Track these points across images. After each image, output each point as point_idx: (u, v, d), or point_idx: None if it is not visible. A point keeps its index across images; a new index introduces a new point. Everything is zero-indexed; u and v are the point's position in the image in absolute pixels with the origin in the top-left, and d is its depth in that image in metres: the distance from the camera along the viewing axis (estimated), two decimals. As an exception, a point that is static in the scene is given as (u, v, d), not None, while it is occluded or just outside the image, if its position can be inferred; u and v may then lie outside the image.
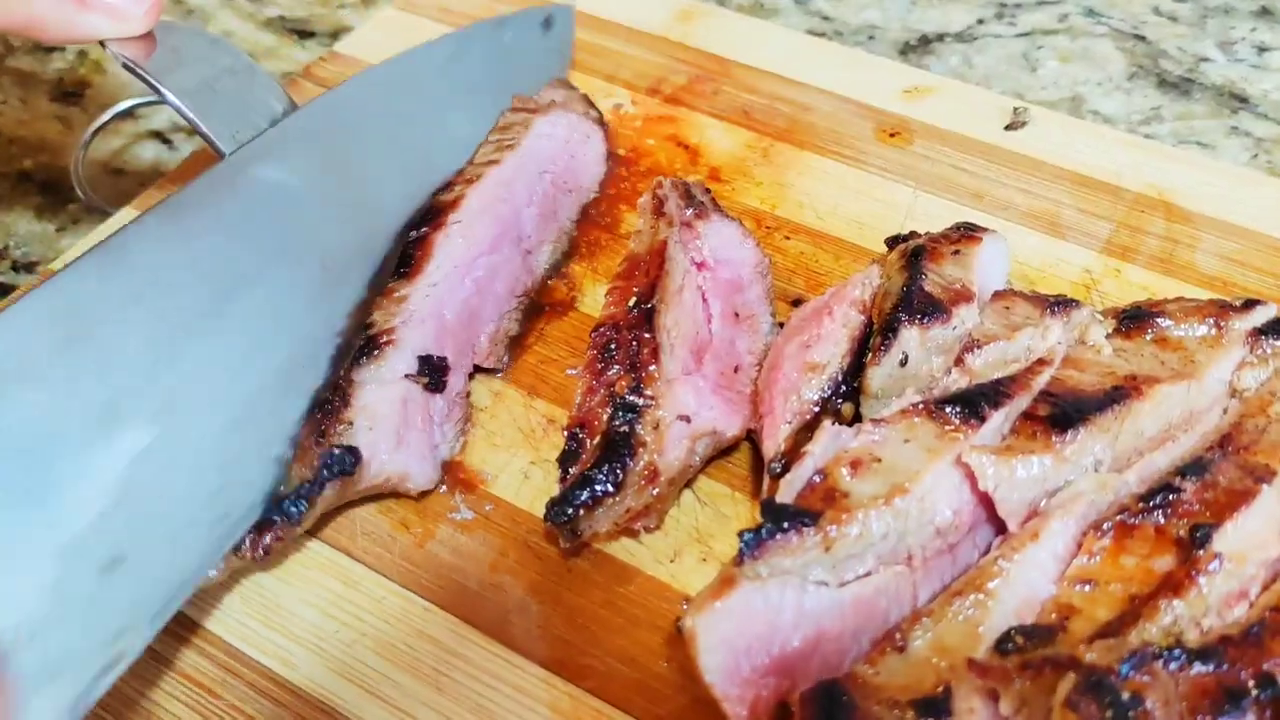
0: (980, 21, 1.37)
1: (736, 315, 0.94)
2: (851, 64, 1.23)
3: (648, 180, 1.10)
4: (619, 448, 0.81)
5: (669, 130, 1.16)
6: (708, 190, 1.04)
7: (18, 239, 1.15)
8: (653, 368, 0.86)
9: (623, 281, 0.95)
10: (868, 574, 0.71)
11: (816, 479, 0.73)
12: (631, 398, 0.84)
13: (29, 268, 1.11)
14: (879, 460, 0.73)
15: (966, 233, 0.92)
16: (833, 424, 0.84)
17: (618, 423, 0.83)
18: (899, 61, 1.30)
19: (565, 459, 0.84)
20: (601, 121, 1.13)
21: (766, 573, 0.68)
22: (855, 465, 0.73)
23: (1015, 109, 1.15)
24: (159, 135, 1.27)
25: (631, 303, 0.91)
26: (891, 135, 1.14)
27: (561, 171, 1.07)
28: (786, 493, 0.73)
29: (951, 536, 0.73)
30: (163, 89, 0.91)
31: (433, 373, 0.88)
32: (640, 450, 0.82)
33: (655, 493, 0.82)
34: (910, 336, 0.81)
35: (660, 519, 0.85)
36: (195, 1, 1.42)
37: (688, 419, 0.85)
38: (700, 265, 0.95)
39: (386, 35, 1.28)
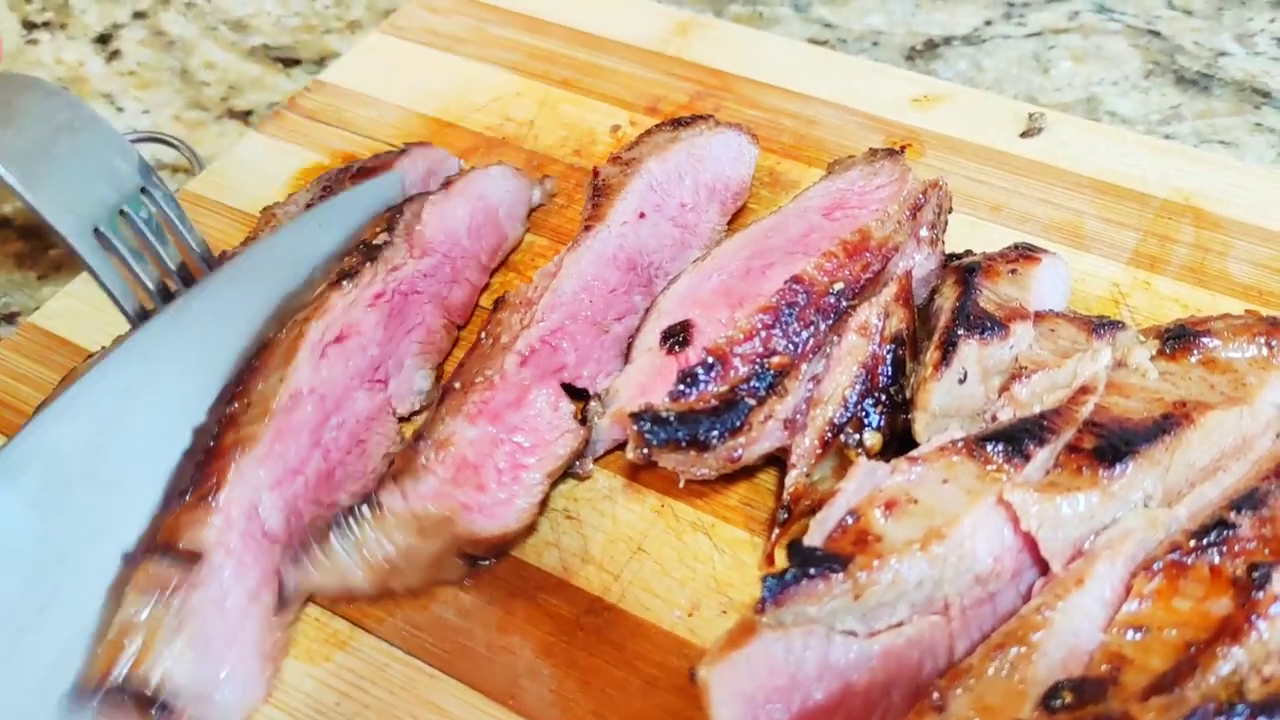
0: (988, 23, 1.32)
1: None
2: (857, 73, 1.18)
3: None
4: (727, 420, 0.79)
5: (670, 150, 1.11)
6: (950, 210, 0.97)
7: (-2, 288, 1.10)
8: (810, 367, 0.82)
9: (845, 255, 0.86)
10: (900, 624, 0.67)
11: (849, 520, 0.68)
12: (777, 379, 0.81)
13: (10, 319, 1.07)
14: (915, 501, 0.69)
15: (1024, 253, 0.88)
16: (867, 459, 0.80)
17: (747, 390, 0.80)
18: (905, 68, 1.25)
19: (684, 377, 0.81)
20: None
21: (790, 620, 0.63)
22: (890, 506, 0.69)
23: (1030, 115, 1.10)
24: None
25: (838, 286, 0.85)
26: (902, 148, 1.09)
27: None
28: (816, 534, 0.68)
29: (992, 584, 0.68)
30: None
31: None
32: (741, 434, 0.79)
33: (720, 470, 0.81)
34: (969, 352, 0.77)
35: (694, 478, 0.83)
36: (177, 33, 1.38)
37: (792, 424, 0.81)
38: None
39: (373, 61, 1.24)
